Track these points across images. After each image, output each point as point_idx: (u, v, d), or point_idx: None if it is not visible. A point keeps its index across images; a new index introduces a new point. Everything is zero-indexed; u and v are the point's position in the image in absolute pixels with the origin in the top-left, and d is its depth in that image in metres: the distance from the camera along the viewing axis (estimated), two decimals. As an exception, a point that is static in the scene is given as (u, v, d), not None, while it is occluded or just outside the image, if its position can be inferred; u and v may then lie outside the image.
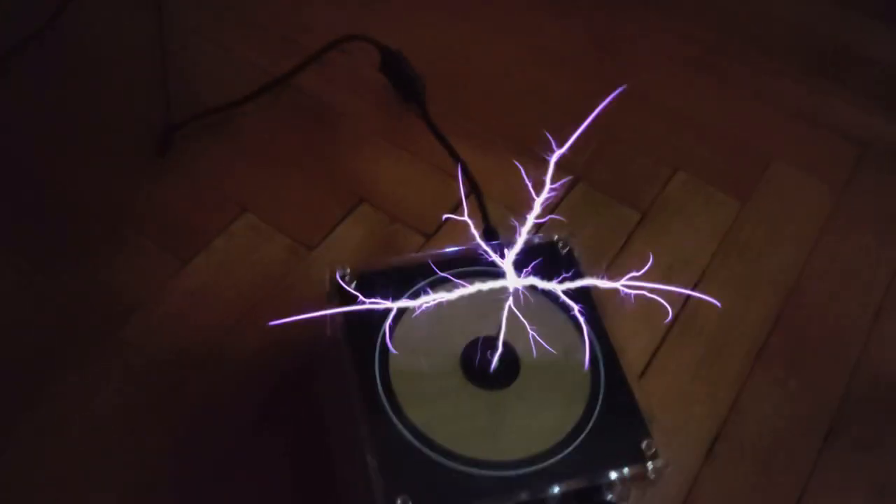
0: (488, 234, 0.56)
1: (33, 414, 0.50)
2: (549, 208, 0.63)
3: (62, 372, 0.52)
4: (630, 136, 0.70)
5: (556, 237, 0.51)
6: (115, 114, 0.67)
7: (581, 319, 0.42)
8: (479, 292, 0.47)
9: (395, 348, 0.45)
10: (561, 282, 0.42)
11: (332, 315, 0.49)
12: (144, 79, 0.68)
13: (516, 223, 0.43)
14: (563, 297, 0.42)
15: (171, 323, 0.55)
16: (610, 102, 0.71)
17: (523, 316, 0.46)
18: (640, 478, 0.43)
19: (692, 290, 0.60)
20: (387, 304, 0.42)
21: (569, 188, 0.65)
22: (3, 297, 0.55)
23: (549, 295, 0.48)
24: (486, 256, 0.49)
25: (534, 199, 0.43)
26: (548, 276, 0.49)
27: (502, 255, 0.50)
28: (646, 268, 0.40)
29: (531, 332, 0.43)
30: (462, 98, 0.71)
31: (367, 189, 0.64)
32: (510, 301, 0.42)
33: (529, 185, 0.42)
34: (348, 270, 0.48)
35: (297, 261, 0.59)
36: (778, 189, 0.68)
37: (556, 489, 0.41)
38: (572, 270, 0.50)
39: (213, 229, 0.60)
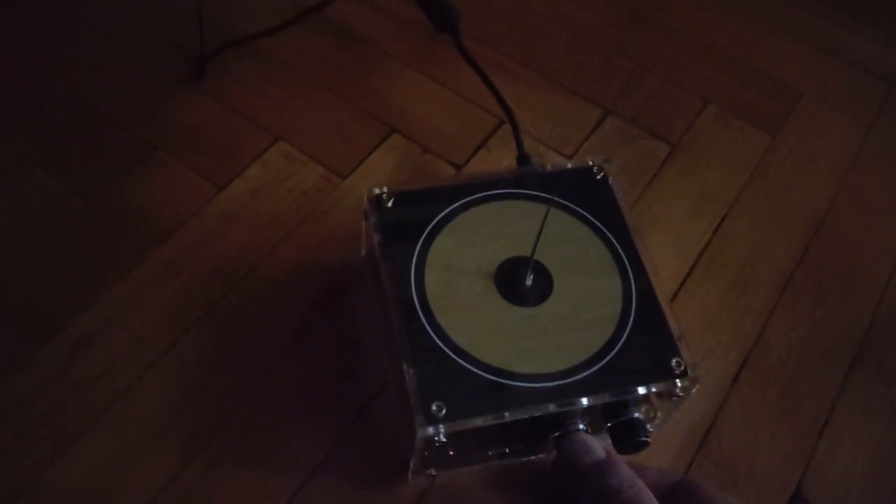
0: (522, 160, 0.56)
1: (70, 333, 0.52)
2: (578, 141, 0.64)
3: (97, 291, 0.53)
4: (660, 70, 0.70)
5: (590, 162, 0.51)
6: (150, 41, 0.67)
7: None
8: (515, 212, 0.48)
9: (430, 264, 0.46)
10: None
11: (366, 234, 0.50)
12: (178, 6, 0.68)
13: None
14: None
15: (207, 245, 0.56)
16: (641, 35, 0.71)
17: (558, 236, 0.47)
18: (668, 395, 0.44)
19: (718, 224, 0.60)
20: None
21: (599, 120, 0.65)
22: (38, 216, 0.56)
23: (582, 217, 0.49)
24: (522, 179, 0.51)
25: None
26: (582, 201, 0.50)
27: (536, 179, 0.51)
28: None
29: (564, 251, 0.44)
30: (494, 30, 0.71)
31: (399, 119, 0.64)
32: (545, 220, 0.43)
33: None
34: (385, 190, 0.49)
35: (331, 189, 0.60)
36: (807, 124, 0.67)
37: (585, 402, 0.42)
38: (606, 195, 0.50)
39: (247, 157, 0.61)
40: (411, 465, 0.45)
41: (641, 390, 0.43)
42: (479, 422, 0.41)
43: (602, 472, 0.41)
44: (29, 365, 0.50)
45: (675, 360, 0.44)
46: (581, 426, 0.44)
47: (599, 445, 0.43)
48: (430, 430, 0.40)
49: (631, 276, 0.47)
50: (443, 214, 0.48)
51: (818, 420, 0.53)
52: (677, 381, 0.44)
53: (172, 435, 0.48)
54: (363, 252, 0.55)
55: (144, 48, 0.67)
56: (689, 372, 0.44)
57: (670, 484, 0.43)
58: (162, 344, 0.52)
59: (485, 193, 0.50)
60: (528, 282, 0.46)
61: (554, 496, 0.48)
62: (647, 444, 0.45)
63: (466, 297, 0.45)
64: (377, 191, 0.49)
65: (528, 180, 0.51)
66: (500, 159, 0.62)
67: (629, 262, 0.48)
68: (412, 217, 0.48)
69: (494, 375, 0.43)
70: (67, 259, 0.55)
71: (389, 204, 0.48)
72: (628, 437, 0.45)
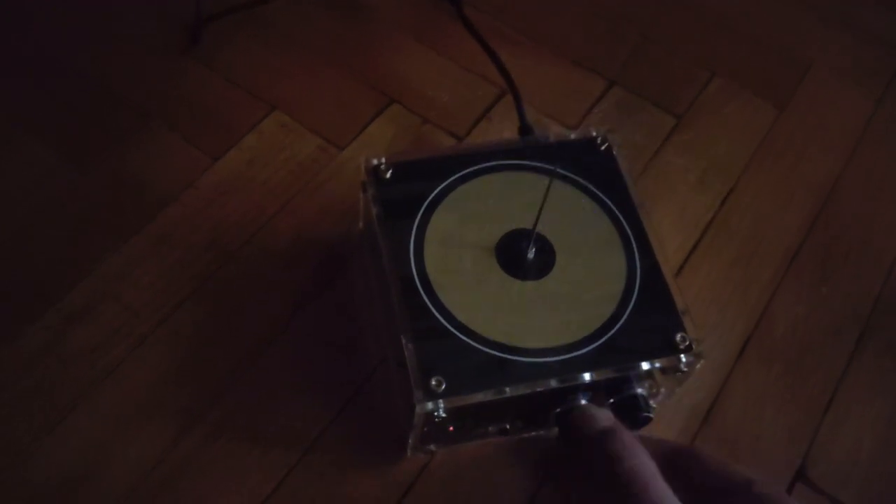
0: (524, 131, 0.55)
1: (63, 305, 0.51)
2: (582, 112, 0.63)
3: (91, 263, 0.53)
4: (666, 40, 0.68)
5: (594, 133, 0.50)
6: (144, 9, 0.66)
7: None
8: (516, 185, 0.47)
9: (430, 237, 0.45)
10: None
11: (364, 206, 0.49)
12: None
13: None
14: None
15: (203, 216, 0.55)
16: (646, 5, 0.69)
17: (560, 209, 0.46)
18: (672, 370, 0.44)
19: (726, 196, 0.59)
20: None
21: (603, 91, 0.64)
22: (32, 187, 0.55)
23: (586, 189, 0.48)
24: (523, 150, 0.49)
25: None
26: (586, 171, 0.49)
27: (538, 150, 0.50)
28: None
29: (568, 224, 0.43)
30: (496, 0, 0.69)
31: (399, 89, 0.63)
32: (547, 192, 0.42)
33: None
34: (384, 160, 0.47)
35: (328, 159, 0.59)
36: (816, 96, 0.66)
37: (587, 377, 0.42)
38: (610, 166, 0.49)
39: (243, 126, 0.60)
40: (410, 440, 0.44)
41: (645, 366, 0.42)
42: (479, 397, 0.40)
43: (605, 440, 0.40)
44: (21, 338, 0.49)
45: (679, 335, 0.43)
46: (583, 401, 0.44)
47: (605, 415, 0.42)
48: (430, 405, 0.40)
49: (635, 250, 0.46)
50: (443, 186, 0.47)
51: (824, 396, 0.52)
52: (681, 356, 0.43)
53: (167, 409, 0.48)
54: (361, 224, 0.53)
55: (139, 16, 0.65)
56: (693, 347, 0.43)
57: (671, 451, 0.42)
58: (156, 317, 0.51)
59: (486, 164, 0.48)
60: (531, 255, 0.45)
61: (559, 468, 0.48)
62: (649, 419, 0.44)
63: (467, 271, 0.44)
64: (375, 161, 0.47)
65: (530, 151, 0.49)
66: (502, 130, 0.61)
67: (633, 235, 0.47)
68: (411, 189, 0.47)
69: (495, 350, 0.42)
70: (61, 231, 0.54)
71: (388, 175, 0.47)
72: (630, 412, 0.44)
